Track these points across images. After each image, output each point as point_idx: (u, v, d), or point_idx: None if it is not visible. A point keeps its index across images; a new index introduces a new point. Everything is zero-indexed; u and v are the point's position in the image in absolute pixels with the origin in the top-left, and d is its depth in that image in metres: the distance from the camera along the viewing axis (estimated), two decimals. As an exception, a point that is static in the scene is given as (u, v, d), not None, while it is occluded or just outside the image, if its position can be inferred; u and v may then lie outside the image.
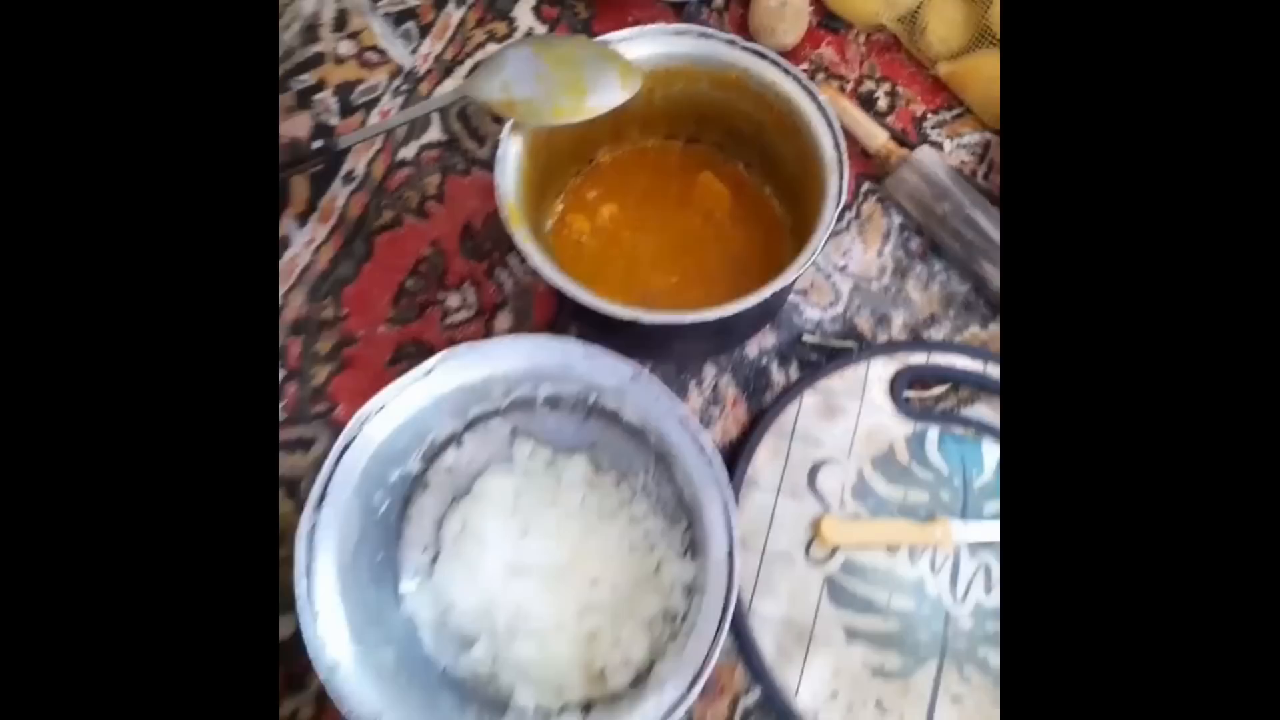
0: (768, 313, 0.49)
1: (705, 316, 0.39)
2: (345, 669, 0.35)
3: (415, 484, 0.46)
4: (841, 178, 0.42)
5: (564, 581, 0.42)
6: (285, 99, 0.59)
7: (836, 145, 0.43)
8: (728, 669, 0.43)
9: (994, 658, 0.41)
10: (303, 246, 0.55)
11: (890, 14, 0.56)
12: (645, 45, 0.46)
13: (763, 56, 0.45)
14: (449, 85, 0.59)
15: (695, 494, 0.37)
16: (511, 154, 0.44)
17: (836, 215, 0.41)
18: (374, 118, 0.58)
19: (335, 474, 0.37)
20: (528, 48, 0.46)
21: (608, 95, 0.45)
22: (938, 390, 0.48)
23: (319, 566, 0.36)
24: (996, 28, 0.52)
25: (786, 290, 0.46)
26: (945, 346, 0.48)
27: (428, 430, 0.42)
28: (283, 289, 0.54)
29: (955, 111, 0.56)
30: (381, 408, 0.38)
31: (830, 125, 0.43)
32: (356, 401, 0.50)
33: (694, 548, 0.43)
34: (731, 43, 0.46)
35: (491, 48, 0.60)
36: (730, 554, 0.35)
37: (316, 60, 0.61)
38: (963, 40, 0.55)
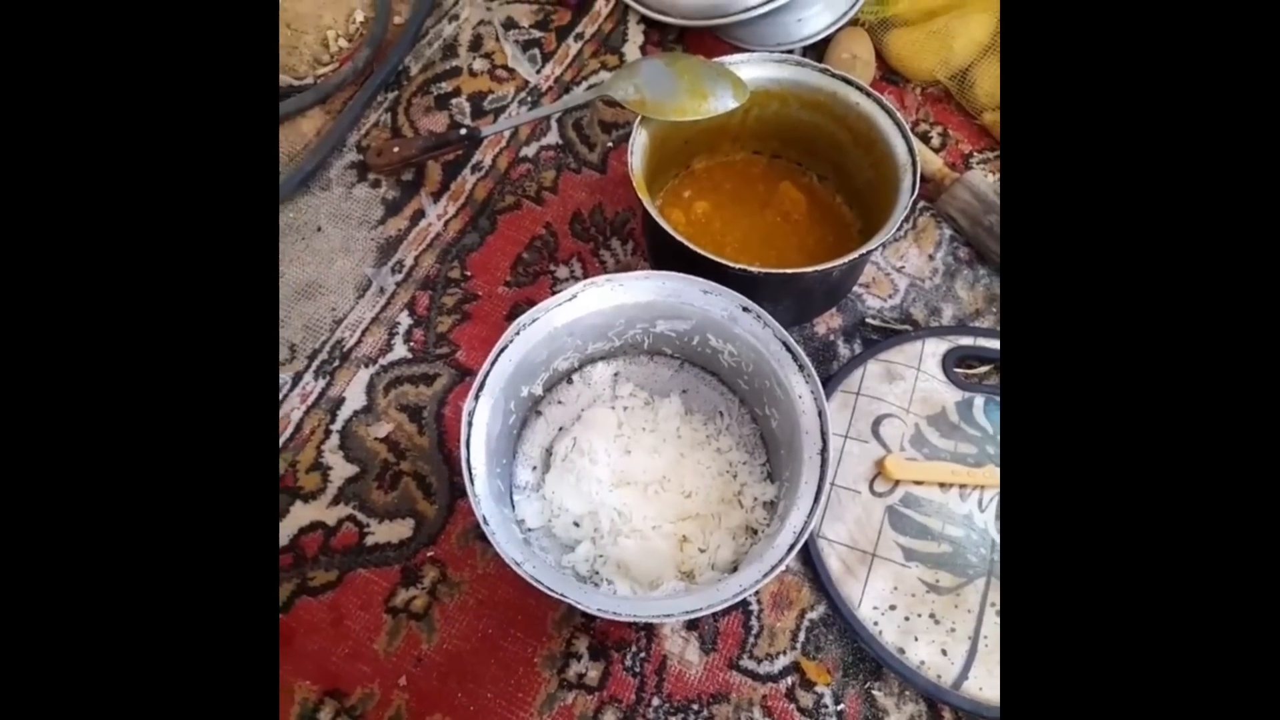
0: (841, 288, 0.57)
1: (800, 270, 0.48)
2: (495, 522, 0.41)
3: (532, 410, 0.53)
4: (914, 173, 0.51)
5: (662, 491, 0.48)
6: (425, 100, 0.70)
7: (910, 150, 0.52)
8: (795, 585, 0.49)
9: (1035, 580, 0.47)
10: (435, 218, 0.64)
11: (945, 72, 0.67)
12: (753, 68, 0.56)
13: (849, 83, 0.55)
14: (566, 101, 0.70)
15: (788, 410, 0.45)
16: (639, 142, 0.54)
17: (913, 198, 0.50)
18: (501, 121, 0.68)
19: (492, 370, 0.45)
20: (659, 60, 0.56)
21: (722, 101, 0.54)
22: (982, 370, 0.56)
23: (474, 442, 0.43)
24: (1034, 84, 0.62)
25: (861, 264, 0.55)
26: (989, 333, 0.56)
27: (556, 355, 0.50)
28: (415, 252, 0.62)
29: (997, 152, 0.66)
30: (534, 320, 0.46)
31: (903, 133, 0.52)
32: (476, 347, 0.58)
33: (772, 474, 0.50)
34: (824, 71, 0.56)
35: (604, 74, 0.71)
36: (824, 450, 0.42)
37: (454, 72, 0.71)
38: (1004, 95, 0.65)
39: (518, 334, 0.45)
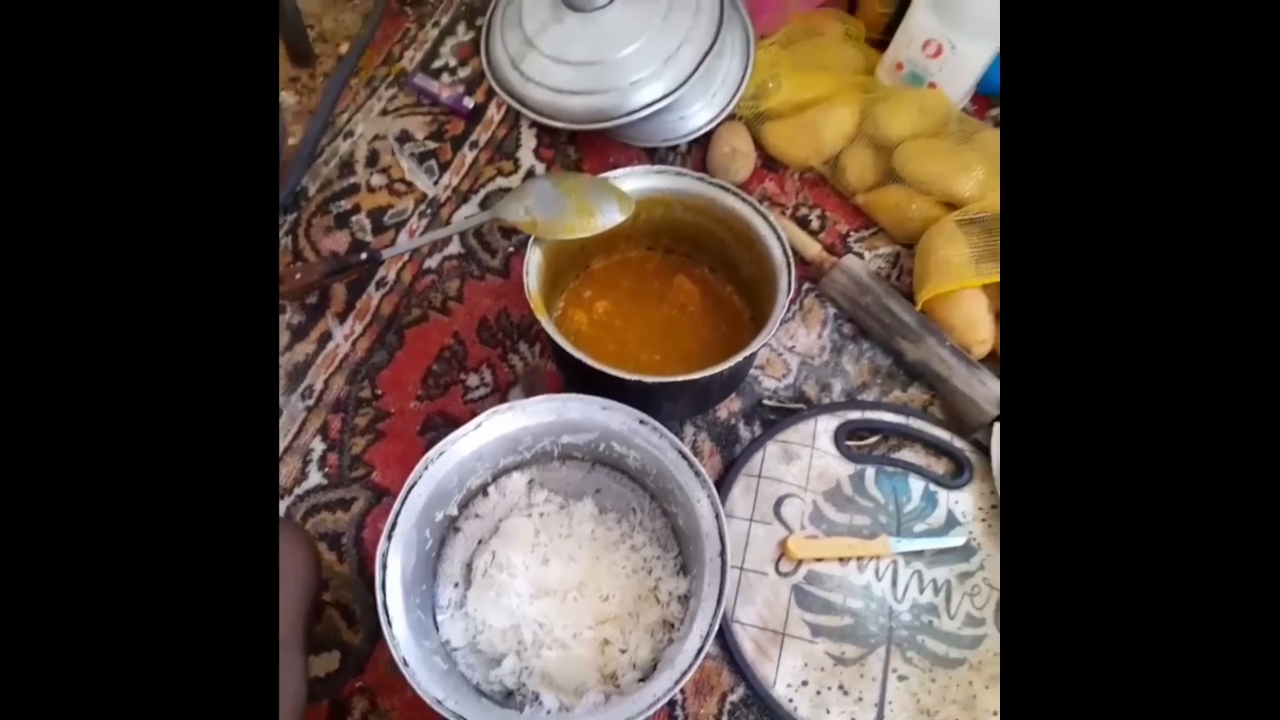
0: (735, 379, 0.61)
1: (691, 376, 0.51)
2: (414, 664, 0.42)
3: (450, 528, 0.54)
4: (789, 275, 0.55)
5: (580, 598, 0.51)
6: (325, 220, 0.71)
7: (785, 253, 0.56)
8: (715, 670, 0.52)
9: (930, 643, 0.51)
10: (342, 339, 0.65)
11: (818, 159, 0.73)
12: (635, 180, 0.60)
13: (725, 189, 0.60)
14: (465, 210, 0.72)
15: (688, 512, 0.48)
16: (534, 261, 0.57)
17: (788, 301, 0.54)
18: (403, 236, 0.71)
19: (403, 509, 0.46)
20: (547, 180, 0.60)
21: (609, 217, 0.58)
22: (871, 440, 0.60)
23: (390, 584, 0.45)
24: (899, 169, 0.68)
25: (750, 360, 0.59)
26: (875, 405, 0.61)
27: (468, 477, 0.52)
28: (324, 375, 0.64)
29: (872, 230, 0.72)
30: (441, 454, 0.48)
31: (779, 237, 0.57)
32: (392, 465, 0.60)
33: (685, 567, 0.53)
34: (700, 179, 0.60)
35: (501, 181, 0.74)
36: (723, 553, 0.45)
37: (353, 189, 0.73)
38: (874, 178, 0.71)
39: (426, 469, 0.47)
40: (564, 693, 0.48)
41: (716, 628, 0.43)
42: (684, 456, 0.48)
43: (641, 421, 0.49)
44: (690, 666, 0.42)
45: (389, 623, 0.42)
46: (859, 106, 0.71)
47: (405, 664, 0.41)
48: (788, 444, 0.58)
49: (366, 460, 0.60)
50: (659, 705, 0.41)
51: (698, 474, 0.47)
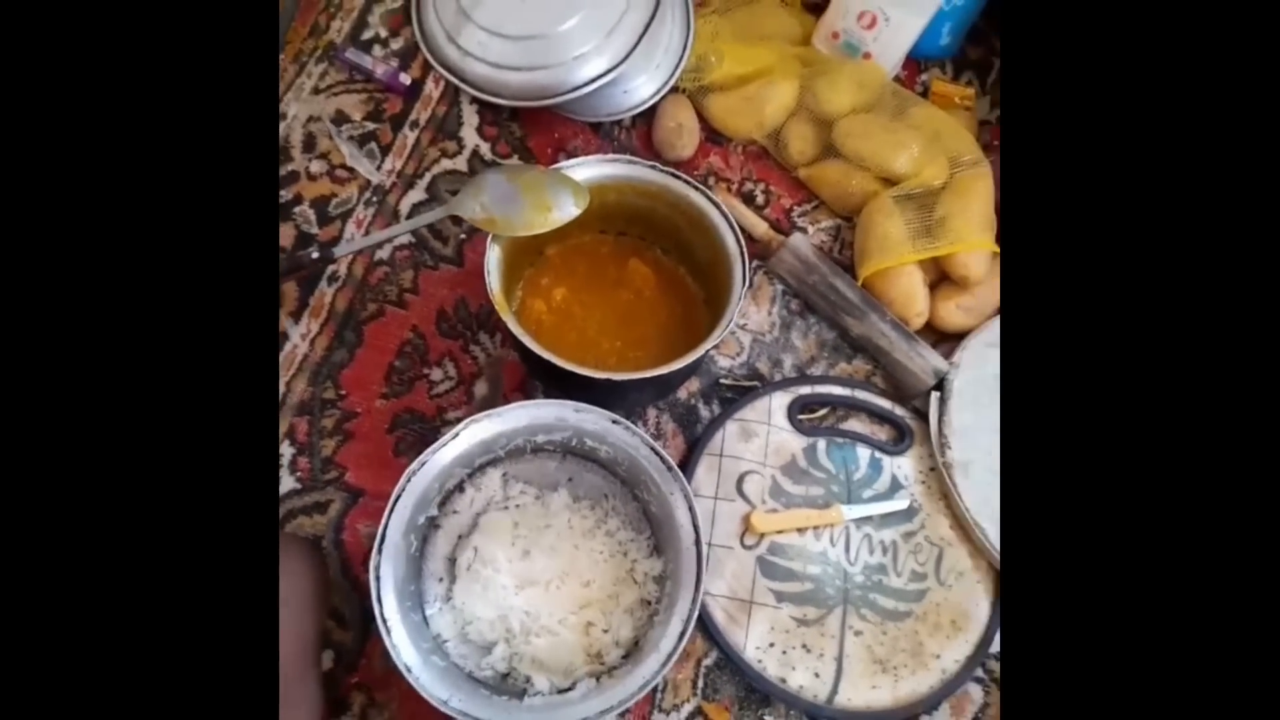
0: (695, 364, 0.64)
1: (655, 372, 0.54)
2: (416, 668, 0.45)
3: (430, 527, 0.56)
4: (743, 265, 0.57)
5: (563, 585, 0.54)
6: (266, 212, 0.69)
7: (738, 241, 0.58)
8: (689, 638, 0.57)
9: (880, 599, 0.57)
10: (299, 339, 0.64)
11: (760, 132, 0.74)
12: (588, 169, 0.61)
13: (676, 177, 0.61)
14: (413, 196, 0.71)
15: (663, 503, 0.51)
16: (494, 258, 0.57)
17: (743, 293, 0.56)
18: (349, 227, 0.69)
19: (390, 522, 0.48)
20: (500, 175, 0.59)
21: (565, 211, 0.59)
22: (821, 412, 0.64)
23: (384, 595, 0.47)
24: (839, 145, 0.70)
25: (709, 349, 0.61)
26: (824, 380, 0.65)
27: (446, 480, 0.54)
28: (285, 378, 0.63)
29: (814, 204, 0.74)
30: (423, 465, 0.49)
31: (732, 228, 0.59)
32: (363, 466, 0.61)
33: (658, 548, 0.56)
34: (653, 167, 0.61)
35: (446, 163, 0.73)
36: (697, 542, 0.49)
37: (292, 178, 0.71)
38: (815, 152, 0.73)
39: (409, 480, 0.49)
40: (554, 674, 0.52)
41: (697, 612, 0.47)
42: (656, 453, 0.51)
43: (614, 421, 0.51)
44: (675, 649, 0.46)
45: (388, 632, 0.45)
46: (799, 80, 0.72)
47: (409, 670, 0.44)
48: (745, 422, 0.62)
49: (338, 462, 0.61)
50: (649, 687, 0.45)
51: (670, 469, 0.51)
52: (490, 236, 0.57)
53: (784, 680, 0.54)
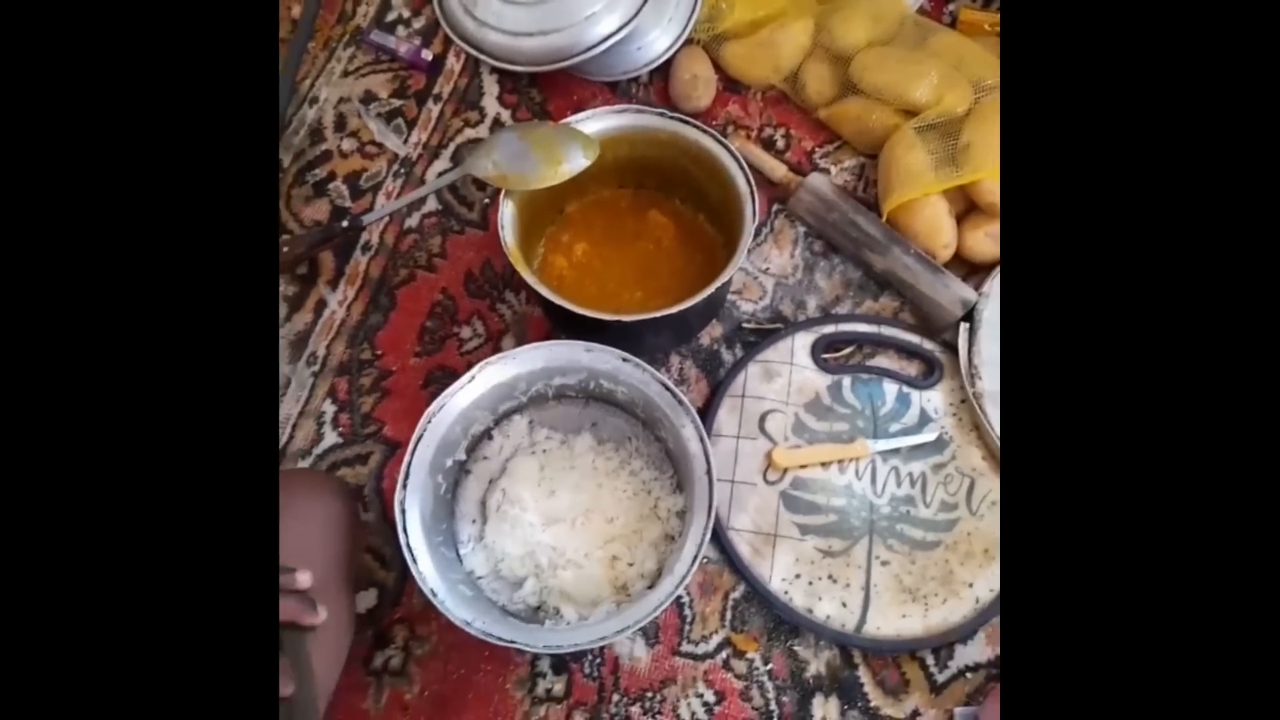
0: (713, 308, 0.64)
1: (666, 311, 0.54)
2: (441, 594, 0.47)
3: (461, 471, 0.59)
4: (753, 204, 0.57)
5: (588, 522, 0.55)
6: (304, 190, 0.73)
7: (748, 181, 0.58)
8: (716, 573, 0.57)
9: (908, 530, 0.56)
10: (337, 305, 0.68)
11: (777, 77, 0.73)
12: (597, 122, 0.62)
13: (685, 122, 0.61)
14: (438, 166, 0.74)
15: (676, 437, 0.52)
16: (508, 215, 0.59)
17: (753, 232, 0.56)
18: (380, 198, 0.72)
19: (413, 460, 0.50)
20: (512, 133, 0.61)
21: (575, 163, 0.60)
22: (847, 351, 0.64)
23: (410, 527, 0.49)
24: (857, 80, 0.69)
25: (724, 289, 0.62)
26: (848, 318, 0.64)
27: (470, 425, 0.56)
28: (325, 341, 0.67)
29: (836, 144, 0.73)
30: (442, 407, 0.52)
31: (741, 168, 0.59)
32: (401, 420, 0.64)
33: (680, 485, 0.57)
34: (661, 114, 0.61)
35: (469, 132, 0.75)
36: (708, 471, 0.49)
37: (325, 157, 0.75)
38: (834, 91, 0.72)
39: (429, 422, 0.51)
40: (581, 605, 0.54)
41: (708, 536, 0.48)
42: (666, 388, 0.51)
43: (624, 359, 0.52)
44: (688, 572, 0.47)
45: (414, 560, 0.47)
46: (814, 19, 0.71)
47: (434, 595, 0.46)
48: (768, 363, 0.62)
49: (376, 417, 0.64)
50: (663, 608, 0.46)
51: (680, 402, 0.51)
52: (503, 192, 0.59)
53: (810, 610, 0.54)
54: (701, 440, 0.50)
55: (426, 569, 0.48)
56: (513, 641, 0.45)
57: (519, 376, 0.54)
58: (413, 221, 0.71)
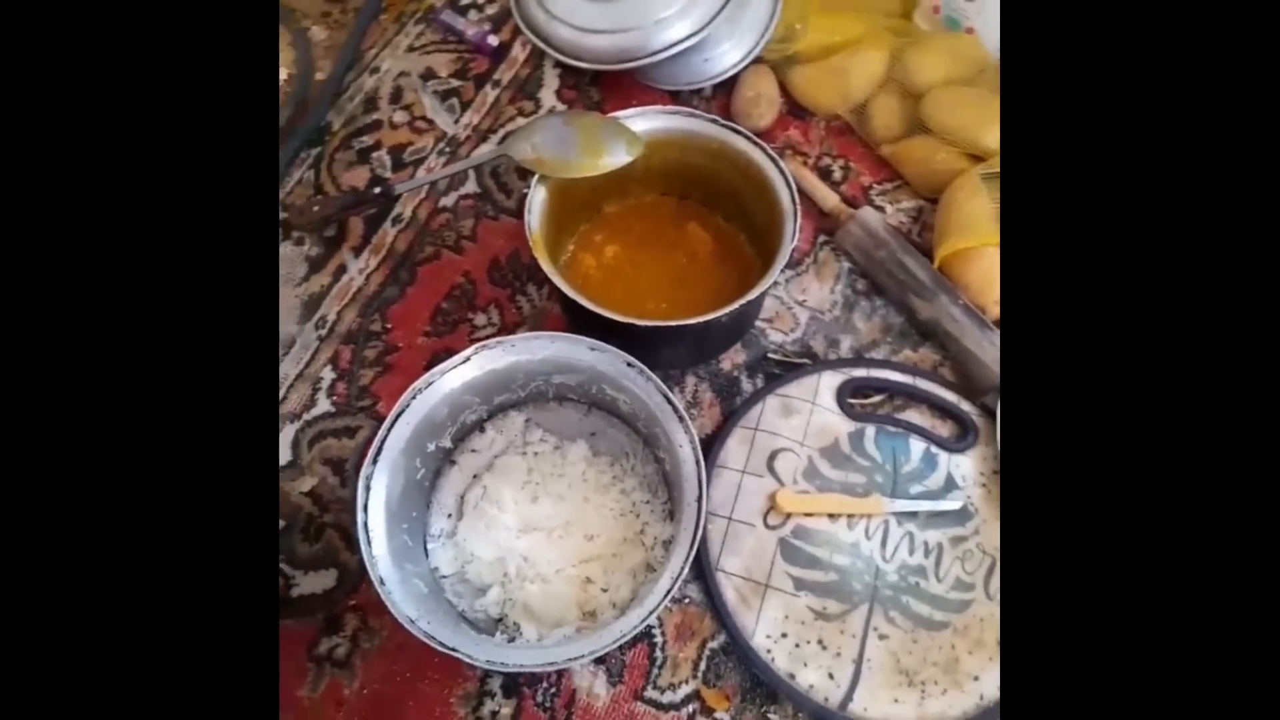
0: (737, 328, 0.60)
1: (686, 322, 0.50)
2: (390, 584, 0.44)
3: (445, 460, 0.55)
4: (795, 221, 0.54)
5: (566, 536, 0.51)
6: (348, 155, 0.72)
7: (793, 199, 0.55)
8: (697, 616, 0.52)
9: (914, 604, 0.50)
10: (357, 273, 0.66)
11: (844, 106, 0.70)
12: (647, 121, 0.59)
13: (737, 132, 0.58)
14: (484, 149, 0.72)
15: (673, 455, 0.47)
16: (538, 199, 0.56)
17: (791, 249, 0.53)
18: (421, 173, 0.71)
19: (389, 436, 0.47)
20: (556, 118, 0.59)
21: (616, 157, 0.57)
22: (876, 399, 0.59)
23: (372, 506, 0.46)
24: (927, 118, 0.65)
25: (752, 308, 0.57)
26: (882, 364, 0.59)
27: (460, 411, 0.53)
28: (337, 307, 0.65)
29: (896, 183, 0.69)
30: (429, 384, 0.48)
31: (788, 183, 0.55)
32: (395, 398, 0.60)
33: (673, 513, 0.53)
34: (714, 121, 0.58)
35: (520, 121, 0.73)
36: (700, 498, 0.45)
37: (375, 126, 0.74)
38: (901, 128, 0.68)
39: (414, 398, 0.48)
40: (543, 625, 0.49)
41: (687, 569, 0.43)
42: (668, 400, 0.47)
43: (629, 364, 0.49)
44: (659, 604, 0.42)
45: (368, 542, 0.44)
46: (889, 51, 0.68)
47: (382, 583, 0.43)
48: (788, 398, 0.57)
49: (373, 392, 0.61)
50: (624, 640, 0.41)
51: (681, 418, 0.47)
52: (536, 177, 0.56)
53: (793, 675, 0.49)
54: (697, 463, 0.46)
55: (380, 553, 0.44)
56: (455, 650, 0.41)
57: (517, 366, 0.51)
58: (448, 201, 0.69)
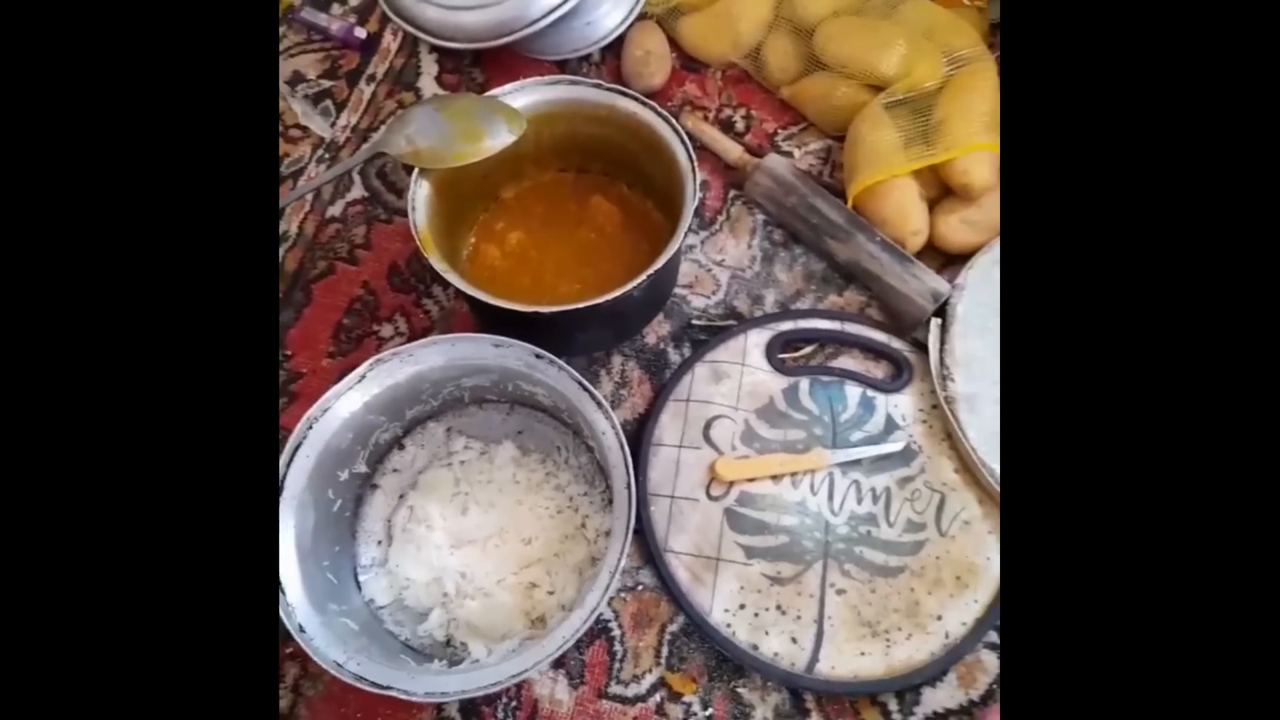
0: (654, 299, 0.57)
1: (593, 302, 0.47)
2: (311, 629, 0.40)
3: (365, 485, 0.52)
4: (694, 180, 0.51)
5: (502, 543, 0.49)
6: (221, 176, 0.67)
7: (689, 156, 0.52)
8: (652, 602, 0.50)
9: (868, 553, 0.49)
10: (248, 300, 0.62)
11: (737, 52, 0.67)
12: (527, 95, 0.55)
13: (623, 94, 0.55)
14: (365, 150, 0.68)
15: (599, 444, 0.45)
16: (421, 195, 0.52)
17: (694, 208, 0.50)
18: (300, 184, 0.66)
19: (289, 471, 0.44)
20: (429, 105, 0.55)
21: (498, 138, 0.53)
22: (806, 350, 0.57)
23: (283, 550, 0.42)
24: (820, 53, 0.63)
25: (665, 276, 0.55)
26: (808, 314, 0.57)
27: (369, 432, 0.49)
28: (233, 339, 0.60)
29: (801, 126, 0.67)
30: (325, 410, 0.45)
31: (683, 141, 0.52)
32: (308, 427, 0.57)
33: (612, 501, 0.50)
34: (597, 85, 0.55)
35: (401, 114, 0.69)
36: (629, 485, 0.42)
37: (247, 140, 0.68)
38: (797, 67, 0.65)
39: (310, 428, 0.44)
40: (491, 640, 0.47)
41: (624, 560, 0.41)
42: (584, 387, 0.45)
43: (537, 355, 0.46)
44: (599, 603, 0.40)
45: (282, 590, 0.40)
46: (775, -10, 0.65)
47: (301, 630, 0.40)
48: (717, 363, 0.55)
49: (283, 425, 0.57)
50: (568, 646, 0.39)
51: (599, 404, 0.44)
52: (416, 171, 0.53)
53: (756, 646, 0.47)
54: (622, 448, 0.43)
55: (297, 599, 0.41)
56: (389, 687, 0.38)
57: (420, 376, 0.47)
58: (335, 210, 0.65)
